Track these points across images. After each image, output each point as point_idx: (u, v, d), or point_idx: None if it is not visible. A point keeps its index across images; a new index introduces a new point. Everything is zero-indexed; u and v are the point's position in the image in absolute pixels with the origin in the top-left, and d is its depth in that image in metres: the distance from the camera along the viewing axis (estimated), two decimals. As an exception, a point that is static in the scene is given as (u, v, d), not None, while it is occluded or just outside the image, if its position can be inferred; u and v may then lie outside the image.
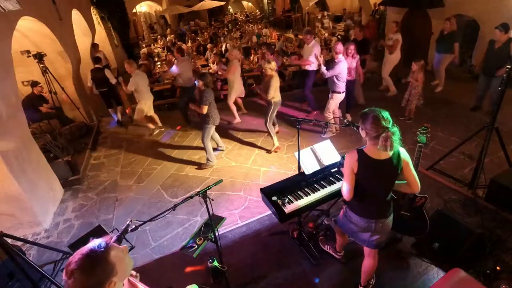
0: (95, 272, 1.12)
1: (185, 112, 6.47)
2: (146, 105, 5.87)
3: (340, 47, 4.91)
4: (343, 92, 5.08)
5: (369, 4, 12.44)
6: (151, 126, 6.27)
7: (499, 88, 3.19)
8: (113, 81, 6.46)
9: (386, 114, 1.91)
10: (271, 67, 4.82)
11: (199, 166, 5.01)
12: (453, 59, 6.46)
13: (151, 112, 6.11)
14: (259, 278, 2.91)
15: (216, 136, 5.21)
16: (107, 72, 6.43)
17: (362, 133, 2.02)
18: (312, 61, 5.86)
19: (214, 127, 4.77)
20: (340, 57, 4.90)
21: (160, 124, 6.37)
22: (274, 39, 12.32)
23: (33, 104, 5.66)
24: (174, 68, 6.12)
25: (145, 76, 5.84)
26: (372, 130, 1.91)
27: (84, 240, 1.93)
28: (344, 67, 4.93)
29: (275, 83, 4.80)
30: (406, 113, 5.60)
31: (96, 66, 6.47)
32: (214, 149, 5.17)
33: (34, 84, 5.60)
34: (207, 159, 4.92)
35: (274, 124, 5.43)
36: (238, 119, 6.38)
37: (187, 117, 6.54)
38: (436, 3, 7.38)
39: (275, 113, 5.15)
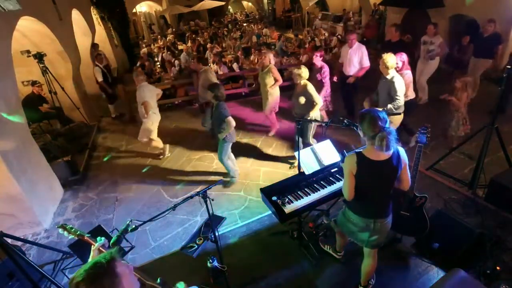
0: (102, 282, 1.09)
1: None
2: (153, 125, 4.96)
3: (393, 60, 3.74)
4: (402, 112, 4.04)
5: (369, 4, 12.45)
6: (159, 148, 5.34)
7: (499, 88, 3.19)
8: (99, 79, 6.81)
9: (383, 114, 1.93)
10: (303, 74, 4.10)
11: (224, 184, 4.43)
12: (491, 65, 5.91)
13: (154, 134, 5.08)
14: (259, 278, 2.91)
15: (232, 157, 4.47)
16: (95, 70, 6.84)
17: (360, 133, 2.05)
18: (367, 64, 5.20)
19: (231, 144, 4.19)
20: (392, 72, 3.82)
21: (162, 150, 5.38)
22: (275, 39, 12.33)
23: (33, 104, 5.66)
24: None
25: (153, 89, 4.91)
26: (369, 130, 1.94)
27: (84, 241, 1.93)
28: (402, 83, 3.85)
29: (312, 88, 4.14)
30: (453, 143, 4.50)
31: (96, 63, 7.03)
32: (227, 174, 4.49)
33: (33, 83, 5.60)
34: (231, 177, 4.42)
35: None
36: (273, 132, 5.71)
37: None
38: (436, 3, 7.38)
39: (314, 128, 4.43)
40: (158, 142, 5.21)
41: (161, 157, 5.38)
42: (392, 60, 3.76)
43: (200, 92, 5.30)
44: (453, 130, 4.52)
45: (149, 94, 4.76)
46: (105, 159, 5.58)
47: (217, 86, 3.89)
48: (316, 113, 4.24)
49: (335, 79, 5.70)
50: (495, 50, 5.76)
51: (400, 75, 4.00)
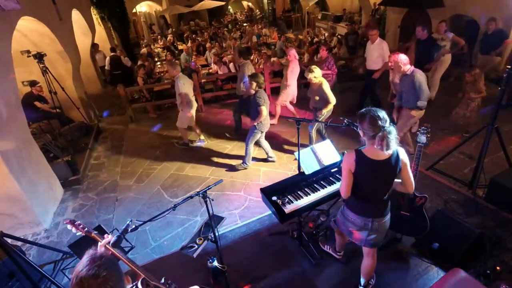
0: (116, 266, 1.20)
1: (239, 122, 5.90)
2: (191, 113, 5.24)
3: (404, 56, 3.95)
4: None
5: (369, 4, 12.45)
6: (193, 134, 5.68)
7: (499, 88, 3.19)
8: (128, 64, 9.25)
9: (382, 113, 1.93)
10: (316, 75, 4.31)
11: (233, 167, 4.78)
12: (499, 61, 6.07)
13: (193, 121, 5.44)
14: (259, 278, 2.91)
15: (266, 145, 4.76)
16: (123, 59, 9.22)
17: (360, 133, 2.05)
18: (387, 59, 5.33)
19: (261, 133, 4.47)
20: (409, 67, 4.00)
21: (202, 137, 5.66)
22: (275, 39, 12.33)
23: (31, 101, 5.63)
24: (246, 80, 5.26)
25: (189, 80, 5.19)
26: (369, 130, 1.93)
27: (84, 240, 1.94)
28: (423, 75, 3.99)
29: (327, 87, 4.36)
30: (470, 128, 4.88)
31: (113, 54, 9.18)
32: (264, 160, 4.93)
33: (32, 83, 5.58)
34: (244, 162, 4.71)
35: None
36: (275, 121, 6.00)
37: (240, 127, 5.90)
38: (436, 3, 7.38)
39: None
40: (197, 128, 5.59)
41: (197, 143, 5.65)
42: (403, 56, 3.97)
43: (237, 85, 5.74)
44: (472, 118, 4.86)
45: (188, 85, 5.04)
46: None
47: (257, 75, 4.25)
48: (329, 110, 4.49)
49: (360, 71, 6.17)
50: (501, 45, 5.91)
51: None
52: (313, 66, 4.39)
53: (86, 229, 1.86)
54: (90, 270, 1.13)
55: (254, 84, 4.21)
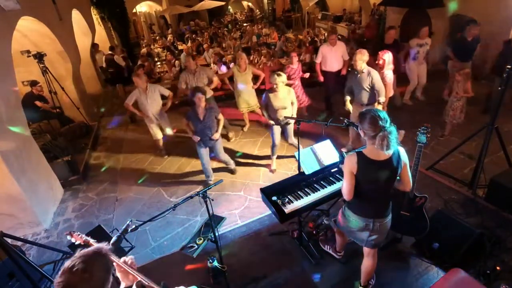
0: (103, 266, 1.23)
1: None
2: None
3: (367, 54, 4.01)
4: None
5: (369, 4, 12.44)
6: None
7: (499, 88, 3.19)
8: (122, 63, 8.98)
9: (383, 114, 1.94)
10: (283, 80, 4.02)
11: (231, 171, 4.69)
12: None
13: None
14: (259, 278, 2.91)
15: (208, 159, 4.59)
16: (116, 58, 8.97)
17: (361, 133, 2.05)
18: (347, 57, 5.74)
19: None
20: (366, 65, 4.08)
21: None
22: (275, 39, 12.33)
23: (31, 101, 5.63)
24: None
25: None
26: (370, 130, 1.94)
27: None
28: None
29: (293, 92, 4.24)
30: (446, 132, 5.01)
31: (108, 53, 9.23)
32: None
33: (33, 83, 5.58)
34: (232, 163, 4.66)
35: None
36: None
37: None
38: (436, 3, 7.38)
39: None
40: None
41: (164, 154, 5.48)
42: (366, 54, 4.03)
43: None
44: (454, 118, 4.78)
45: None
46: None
47: (201, 88, 4.22)
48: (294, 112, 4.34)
49: (321, 79, 5.95)
50: (475, 52, 5.77)
51: (381, 74, 4.19)
52: (280, 72, 4.15)
53: (84, 238, 1.89)
54: (76, 263, 1.17)
55: (203, 98, 3.97)
